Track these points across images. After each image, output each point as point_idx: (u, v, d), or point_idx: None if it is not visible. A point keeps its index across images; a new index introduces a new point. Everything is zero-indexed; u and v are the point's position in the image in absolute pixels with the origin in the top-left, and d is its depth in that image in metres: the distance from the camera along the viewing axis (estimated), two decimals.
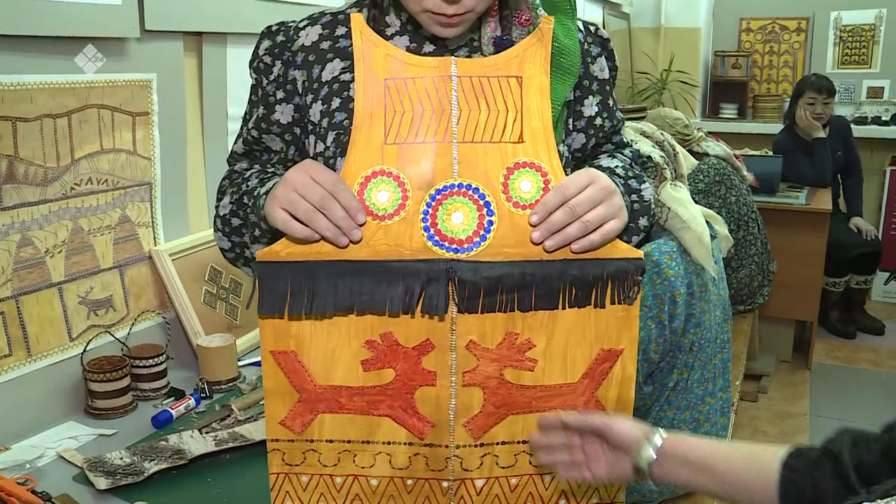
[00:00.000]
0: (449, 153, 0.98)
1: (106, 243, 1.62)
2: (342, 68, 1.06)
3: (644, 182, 1.11)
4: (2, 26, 1.35)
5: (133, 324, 1.66)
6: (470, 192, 0.98)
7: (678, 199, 1.76)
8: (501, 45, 1.07)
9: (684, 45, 5.26)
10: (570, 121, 1.14)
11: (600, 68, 1.14)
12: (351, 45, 1.06)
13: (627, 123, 2.02)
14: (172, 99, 1.72)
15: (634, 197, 1.09)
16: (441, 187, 0.98)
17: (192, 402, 1.55)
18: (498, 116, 0.99)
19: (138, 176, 1.68)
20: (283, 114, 1.10)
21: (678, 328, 1.69)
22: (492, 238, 0.97)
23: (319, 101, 1.07)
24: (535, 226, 0.97)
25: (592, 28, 1.15)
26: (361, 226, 0.96)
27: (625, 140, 1.23)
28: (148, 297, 1.72)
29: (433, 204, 0.97)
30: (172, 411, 1.50)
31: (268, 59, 1.11)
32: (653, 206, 1.13)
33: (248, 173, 1.13)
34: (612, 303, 1.01)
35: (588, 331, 1.02)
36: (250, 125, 1.14)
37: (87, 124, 1.55)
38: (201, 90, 1.82)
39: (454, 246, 0.97)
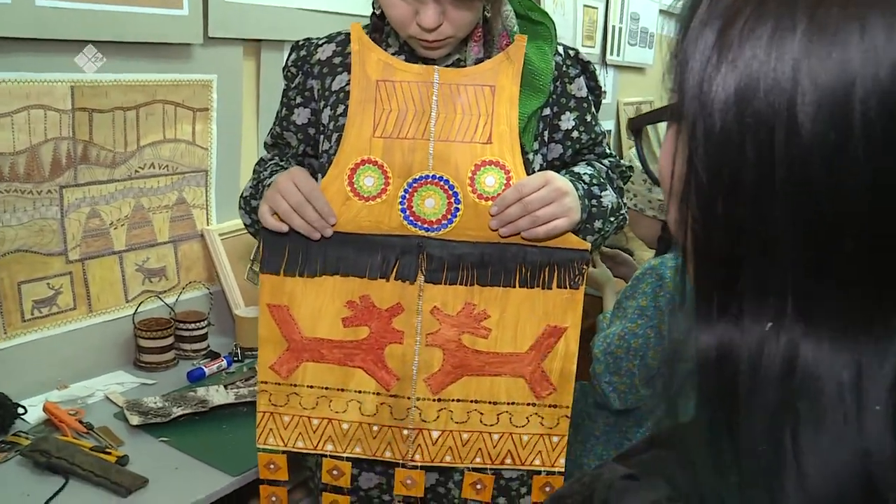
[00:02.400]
0: (426, 148, 1.16)
1: (163, 220, 1.87)
2: (348, 80, 1.25)
3: (606, 190, 1.25)
4: (87, 34, 1.60)
5: (181, 292, 1.90)
6: (441, 183, 1.16)
7: None
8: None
9: None
10: (547, 133, 1.29)
11: (578, 87, 1.30)
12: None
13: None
14: (230, 97, 1.95)
15: (594, 202, 1.22)
16: (417, 176, 1.16)
17: (224, 363, 1.78)
18: (471, 120, 1.17)
19: (196, 163, 1.92)
20: (300, 116, 1.31)
21: (676, 338, 1.80)
22: (458, 222, 1.16)
23: (329, 108, 1.27)
24: (493, 216, 1.15)
25: (572, 52, 1.31)
26: (333, 226, 1.15)
27: (606, 151, 1.37)
28: (197, 270, 1.96)
29: (410, 190, 1.16)
30: (206, 369, 1.73)
31: (293, 70, 1.32)
32: (614, 211, 1.26)
33: (268, 164, 1.34)
34: (559, 286, 1.18)
35: (537, 308, 1.18)
36: (276, 121, 1.35)
37: (152, 117, 1.79)
38: (258, 90, 2.05)
39: (426, 226, 1.16)
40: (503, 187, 1.15)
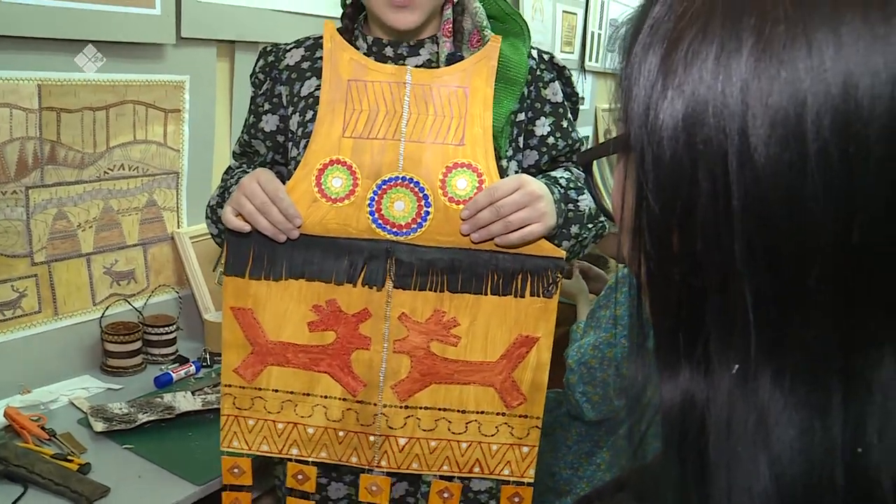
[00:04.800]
0: (396, 149, 1.14)
1: (133, 223, 1.84)
2: (317, 86, 1.23)
3: (584, 194, 1.23)
4: (56, 32, 1.57)
5: (150, 295, 1.87)
6: (411, 185, 1.13)
7: None
8: (453, 60, 1.23)
9: None
10: (522, 139, 1.28)
11: (553, 92, 1.29)
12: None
13: None
14: (203, 99, 1.93)
15: (571, 206, 1.21)
16: (387, 178, 1.14)
17: (192, 368, 1.75)
18: (443, 121, 1.15)
19: (167, 165, 1.89)
20: (269, 123, 1.29)
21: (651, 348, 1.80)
22: (428, 226, 1.13)
23: (297, 114, 1.25)
24: (465, 220, 1.12)
25: (546, 56, 1.30)
26: (298, 227, 1.12)
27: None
28: (167, 274, 1.93)
29: (379, 192, 1.13)
30: (173, 374, 1.70)
31: (261, 76, 1.30)
32: (592, 217, 1.25)
33: (235, 172, 1.32)
34: (532, 294, 1.15)
35: (508, 316, 1.16)
36: (244, 129, 1.33)
37: (122, 118, 1.76)
38: (231, 92, 2.02)
39: (394, 230, 1.13)
40: (475, 191, 1.13)
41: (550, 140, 1.29)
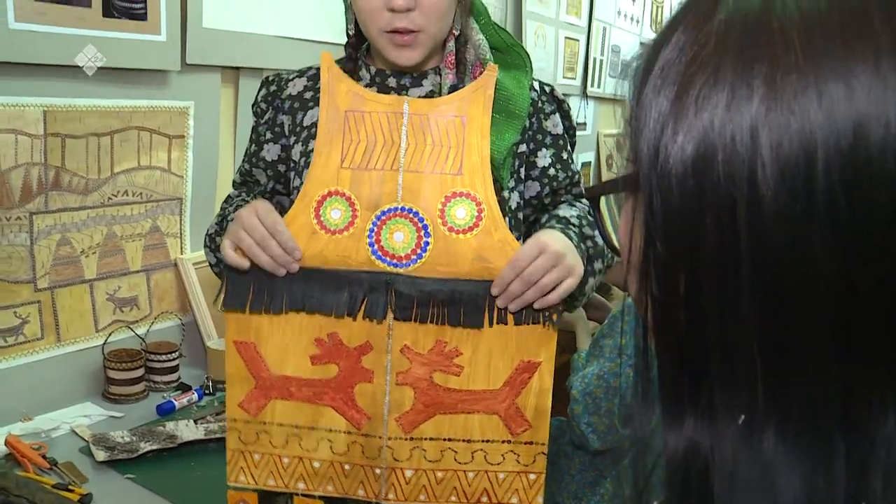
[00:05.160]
0: (395, 180, 1.13)
1: (136, 249, 1.83)
2: (318, 115, 1.24)
3: (595, 229, 1.22)
4: (62, 58, 1.58)
5: (153, 322, 1.86)
6: (411, 215, 1.13)
7: None
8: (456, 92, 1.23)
9: None
10: (524, 170, 1.28)
11: (553, 124, 1.29)
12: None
13: None
14: (207, 124, 1.93)
15: (589, 243, 1.21)
16: (386, 209, 1.13)
17: (194, 396, 1.74)
18: (441, 150, 1.14)
19: (170, 191, 1.88)
20: (270, 152, 1.29)
21: (654, 376, 1.80)
22: (428, 257, 1.12)
23: (300, 143, 1.25)
24: (496, 296, 1.11)
25: (547, 88, 1.31)
26: (298, 260, 1.11)
27: (582, 191, 1.35)
28: (170, 300, 1.92)
29: (378, 223, 1.13)
30: (176, 402, 1.68)
31: (263, 105, 1.30)
32: (604, 250, 1.24)
33: (234, 201, 1.31)
34: (534, 322, 1.14)
35: (510, 344, 1.15)
36: (245, 159, 1.33)
37: (127, 143, 1.76)
38: (236, 118, 2.02)
39: (394, 261, 1.12)
40: (475, 219, 1.13)
41: (551, 171, 1.29)
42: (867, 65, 0.38)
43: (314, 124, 1.24)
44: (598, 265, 1.21)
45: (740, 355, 0.41)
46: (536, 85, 1.28)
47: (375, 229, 1.13)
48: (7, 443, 1.45)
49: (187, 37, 1.80)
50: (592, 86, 3.74)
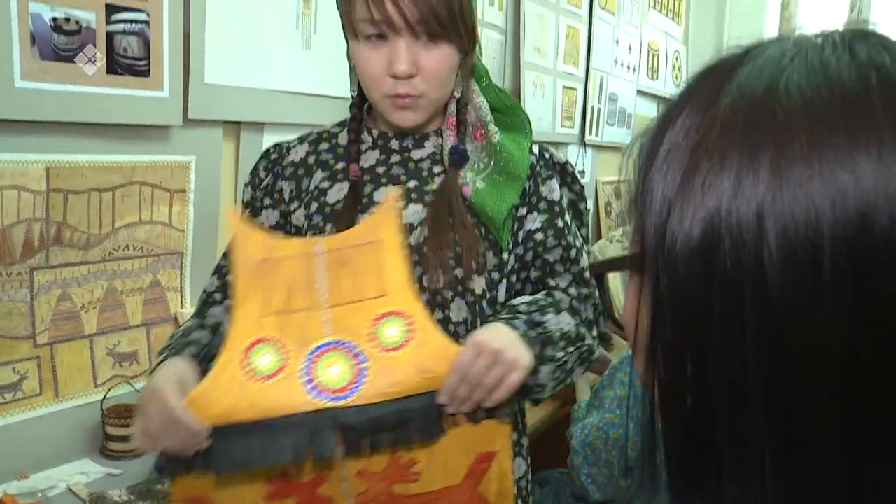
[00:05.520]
0: (320, 317, 1.12)
1: (136, 303, 1.83)
2: (321, 178, 1.25)
3: (548, 314, 1.20)
4: (66, 115, 1.59)
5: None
6: (342, 347, 1.10)
7: None
8: (456, 153, 1.23)
9: None
10: (521, 233, 1.27)
11: (550, 189, 1.28)
12: (332, 157, 1.26)
13: None
14: (209, 179, 1.94)
15: (539, 329, 1.17)
16: (316, 346, 1.10)
17: None
18: (361, 279, 1.13)
19: (171, 246, 1.89)
20: (269, 218, 1.29)
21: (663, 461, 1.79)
22: (368, 382, 1.08)
23: (303, 207, 1.26)
24: (445, 404, 1.10)
25: (546, 154, 1.31)
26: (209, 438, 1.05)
27: (585, 276, 1.29)
28: None
29: (310, 361, 1.09)
30: None
31: (263, 174, 1.31)
32: (571, 338, 1.22)
33: (184, 327, 1.29)
34: (487, 418, 1.13)
35: (465, 441, 1.13)
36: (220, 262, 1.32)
37: (129, 198, 1.77)
38: (237, 172, 2.04)
39: (334, 395, 1.07)
40: (407, 334, 1.11)
41: (539, 236, 1.27)
42: (871, 154, 0.39)
43: (317, 188, 1.25)
44: (549, 351, 1.18)
45: (748, 436, 0.41)
46: (535, 149, 1.29)
47: (309, 368, 1.09)
48: (2, 502, 1.44)
49: (189, 92, 1.82)
50: (590, 134, 3.78)
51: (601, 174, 4.00)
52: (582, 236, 1.32)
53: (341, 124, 1.29)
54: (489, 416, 1.13)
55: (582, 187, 1.35)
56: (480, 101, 1.24)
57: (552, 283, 1.29)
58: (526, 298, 1.24)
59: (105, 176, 1.72)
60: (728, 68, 0.44)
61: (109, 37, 1.65)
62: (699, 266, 0.41)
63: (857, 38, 0.43)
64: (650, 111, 4.76)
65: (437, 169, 1.26)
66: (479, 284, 1.23)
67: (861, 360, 0.39)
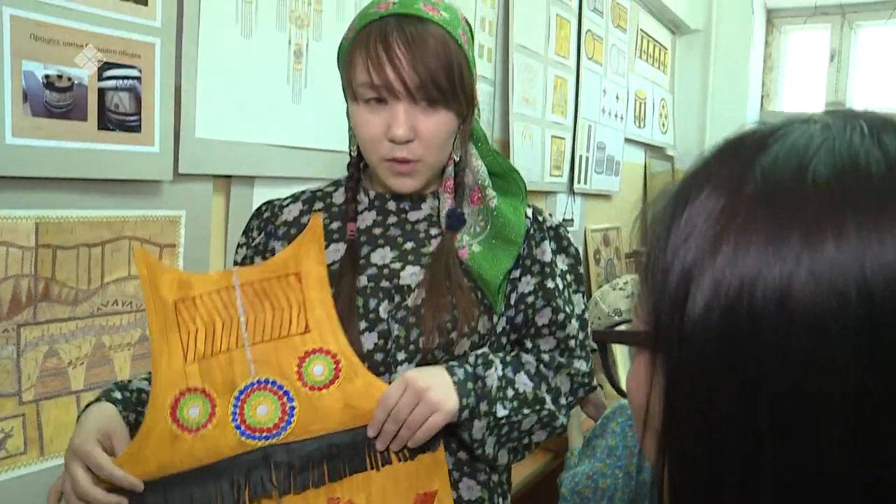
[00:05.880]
0: (244, 357, 1.12)
1: (125, 359, 1.82)
2: None
3: (491, 368, 1.19)
4: (56, 171, 1.60)
5: None
6: (269, 386, 1.11)
7: None
8: (453, 216, 1.24)
9: None
10: (514, 296, 1.27)
11: (542, 251, 1.29)
12: (326, 217, 1.26)
13: (634, 276, 2.16)
14: (198, 233, 1.94)
15: (479, 384, 1.17)
16: (242, 388, 1.11)
17: None
18: (283, 313, 1.13)
19: None
20: None
21: (645, 479, 1.78)
22: (297, 420, 1.10)
23: None
24: (373, 438, 1.12)
25: (540, 217, 1.31)
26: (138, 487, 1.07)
27: (572, 345, 1.28)
28: None
29: (238, 404, 1.10)
30: None
31: (255, 233, 1.32)
32: (523, 400, 1.21)
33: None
34: (420, 452, 1.14)
35: (402, 481, 1.13)
36: None
37: (118, 253, 1.77)
38: (227, 226, 2.04)
39: (264, 434, 1.09)
40: (333, 372, 1.12)
41: (530, 299, 1.27)
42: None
43: None
44: (486, 406, 1.17)
45: (759, 481, 0.41)
46: (529, 212, 1.29)
47: (237, 411, 1.10)
48: None
49: (180, 147, 1.83)
50: (579, 182, 3.80)
51: (590, 222, 4.02)
52: (581, 303, 1.32)
53: (336, 184, 1.30)
54: (422, 452, 1.13)
55: (577, 250, 1.35)
56: (478, 164, 1.25)
57: (529, 344, 1.28)
58: (482, 352, 1.23)
59: (94, 231, 1.72)
60: (752, 149, 0.45)
61: (101, 93, 1.66)
62: (717, 348, 0.41)
63: (885, 128, 0.43)
64: (638, 158, 4.80)
65: (433, 231, 1.26)
66: (464, 346, 1.22)
67: (873, 399, 0.39)
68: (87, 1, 1.62)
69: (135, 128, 1.74)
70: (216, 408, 1.10)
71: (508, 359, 1.23)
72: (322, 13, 2.20)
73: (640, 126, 4.67)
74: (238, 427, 1.09)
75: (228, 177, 2.02)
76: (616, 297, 2.06)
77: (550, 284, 1.27)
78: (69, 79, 1.61)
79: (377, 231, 1.26)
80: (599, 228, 4.09)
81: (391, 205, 1.25)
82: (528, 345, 1.27)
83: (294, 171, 2.11)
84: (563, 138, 3.65)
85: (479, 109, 1.29)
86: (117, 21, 1.68)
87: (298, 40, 2.14)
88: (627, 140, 4.45)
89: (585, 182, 3.88)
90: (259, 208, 1.33)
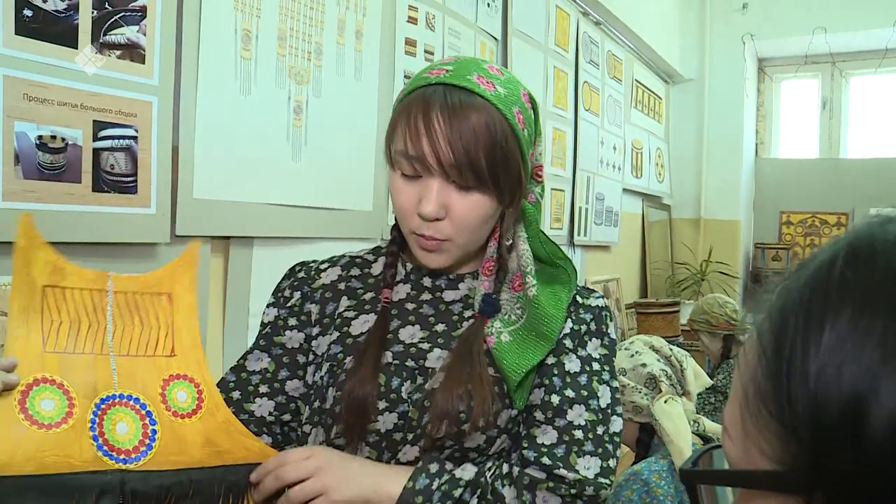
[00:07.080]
0: (108, 365, 1.03)
1: None
2: (347, 306, 1.18)
3: (448, 501, 1.04)
4: (49, 235, 1.53)
5: None
6: (132, 403, 1.03)
7: (668, 412, 1.81)
8: (487, 301, 1.15)
9: (724, 237, 5.38)
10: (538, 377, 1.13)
11: (594, 348, 1.16)
12: (361, 286, 1.20)
13: (640, 337, 2.08)
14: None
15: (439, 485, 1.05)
16: (105, 397, 1.01)
17: None
18: (151, 331, 1.07)
19: None
20: (292, 339, 1.21)
21: None
22: (157, 447, 1.02)
23: (324, 335, 1.18)
24: (253, 483, 1.06)
25: (579, 299, 1.19)
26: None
27: (577, 429, 1.10)
28: None
29: (99, 413, 1.00)
30: None
31: (288, 292, 1.24)
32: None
33: None
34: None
35: None
36: (255, 341, 1.25)
37: None
38: (225, 288, 1.97)
39: (122, 456, 0.99)
40: (196, 402, 1.07)
41: (582, 379, 1.13)
42: None
43: (340, 315, 1.18)
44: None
45: None
46: (571, 297, 1.16)
47: (97, 420, 0.99)
48: None
49: (178, 208, 1.78)
50: (579, 234, 3.76)
51: (590, 274, 3.98)
52: (608, 395, 1.14)
53: (375, 252, 1.23)
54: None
55: (613, 341, 1.19)
56: (524, 248, 1.15)
57: (525, 443, 1.10)
58: (449, 478, 1.06)
59: None
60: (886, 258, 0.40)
61: (96, 153, 1.61)
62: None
63: None
64: (636, 208, 4.78)
65: (467, 313, 1.16)
66: (477, 440, 1.09)
67: None
68: (81, 59, 1.57)
69: (131, 189, 1.68)
70: (74, 408, 0.99)
71: (481, 491, 1.06)
72: (322, 68, 2.16)
73: (637, 176, 4.66)
74: (96, 439, 0.98)
75: (227, 238, 1.95)
76: (621, 356, 1.99)
77: (566, 362, 1.13)
78: (63, 139, 1.55)
79: (409, 306, 1.18)
80: (600, 280, 4.04)
81: (426, 281, 1.17)
82: (525, 444, 1.10)
83: (294, 230, 2.06)
84: (563, 190, 3.62)
85: (544, 187, 1.21)
86: (113, 80, 1.63)
87: (298, 96, 2.09)
88: (625, 190, 4.43)
89: (585, 234, 3.84)
90: (293, 268, 1.26)
